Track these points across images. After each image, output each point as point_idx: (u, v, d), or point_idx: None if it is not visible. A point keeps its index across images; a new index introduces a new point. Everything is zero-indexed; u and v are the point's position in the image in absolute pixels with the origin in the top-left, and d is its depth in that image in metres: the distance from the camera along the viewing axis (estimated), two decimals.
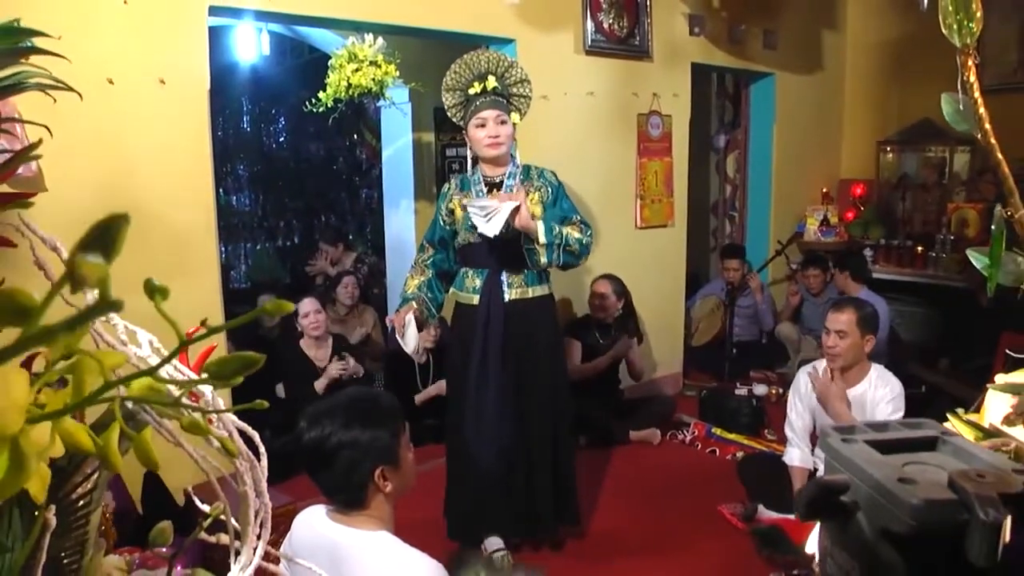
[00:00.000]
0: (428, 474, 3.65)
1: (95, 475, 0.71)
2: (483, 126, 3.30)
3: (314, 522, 1.94)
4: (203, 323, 0.39)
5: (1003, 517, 0.65)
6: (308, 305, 4.92)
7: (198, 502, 0.90)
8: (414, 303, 3.41)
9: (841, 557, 0.79)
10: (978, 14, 1.09)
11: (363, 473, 1.88)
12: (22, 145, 0.93)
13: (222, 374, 0.38)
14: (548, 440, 3.45)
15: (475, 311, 3.35)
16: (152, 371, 0.38)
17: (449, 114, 3.48)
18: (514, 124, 3.37)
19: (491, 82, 3.31)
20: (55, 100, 0.74)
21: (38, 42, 0.70)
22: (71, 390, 0.36)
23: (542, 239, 3.22)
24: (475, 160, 3.48)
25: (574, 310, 5.31)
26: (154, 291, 0.32)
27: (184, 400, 0.71)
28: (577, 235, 3.32)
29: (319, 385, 4.75)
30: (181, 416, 0.48)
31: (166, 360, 0.38)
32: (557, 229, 3.27)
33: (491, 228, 3.12)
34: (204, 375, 0.40)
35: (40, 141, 0.74)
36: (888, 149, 7.04)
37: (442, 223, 3.47)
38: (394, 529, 1.95)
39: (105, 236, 0.31)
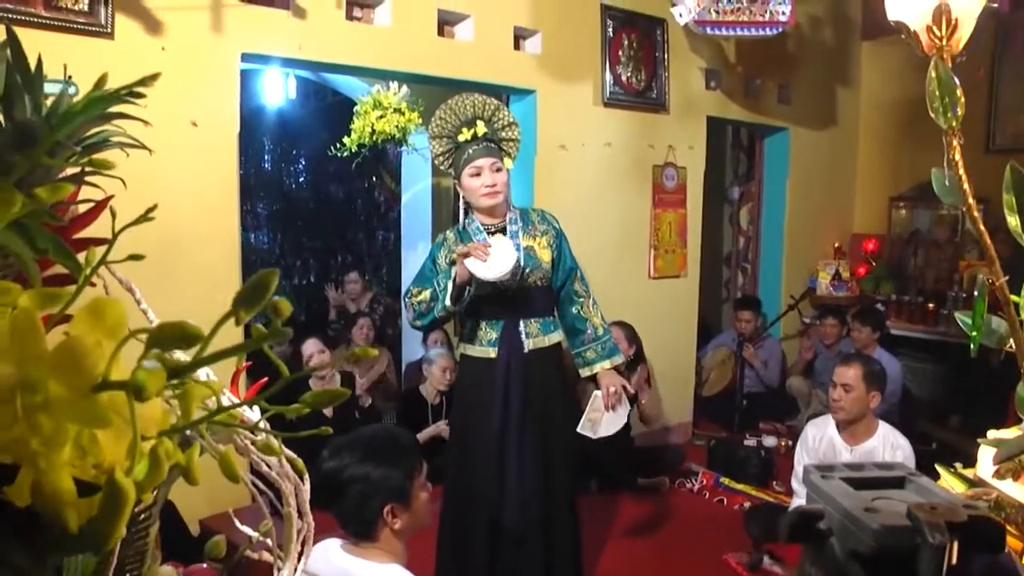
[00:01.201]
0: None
1: (155, 491, 0.78)
2: (478, 175, 3.12)
3: (329, 554, 2.00)
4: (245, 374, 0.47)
5: (948, 541, 0.74)
6: (311, 346, 4.97)
7: (238, 523, 0.97)
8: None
9: (818, 575, 0.88)
10: (961, 99, 1.17)
11: (373, 508, 1.94)
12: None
13: (318, 404, 0.46)
14: (569, 492, 3.38)
15: (492, 365, 3.18)
16: (255, 402, 0.47)
17: (436, 162, 3.30)
18: (508, 171, 3.24)
19: (480, 128, 3.14)
20: (128, 155, 0.83)
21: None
22: (180, 412, 0.44)
23: (622, 359, 3.44)
24: (466, 208, 3.34)
25: None
26: (277, 311, 0.40)
27: (238, 423, 0.78)
28: (601, 319, 3.36)
29: (328, 410, 4.79)
30: (256, 440, 0.56)
31: (267, 395, 0.46)
32: (604, 332, 3.36)
33: (619, 419, 3.32)
34: (297, 403, 0.48)
35: (112, 196, 0.83)
36: (901, 205, 7.11)
37: (439, 274, 3.24)
38: (406, 563, 2.01)
39: (260, 284, 0.39)
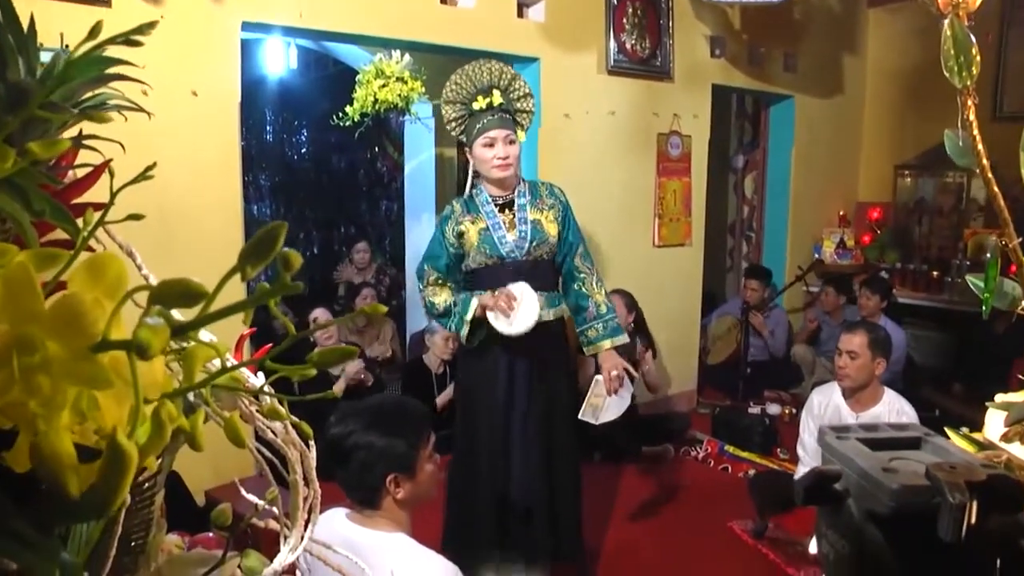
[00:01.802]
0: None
1: (159, 460, 0.78)
2: (491, 145, 3.07)
3: (333, 523, 2.00)
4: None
5: (968, 501, 0.73)
6: (319, 315, 4.99)
7: (243, 491, 0.97)
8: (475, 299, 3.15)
9: (833, 538, 0.87)
10: (977, 58, 1.15)
11: (375, 477, 1.93)
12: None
13: (325, 363, 0.45)
14: (573, 464, 3.38)
15: (497, 338, 3.13)
16: (260, 362, 0.45)
17: (448, 128, 3.23)
18: (520, 143, 3.18)
19: (496, 97, 3.08)
20: (126, 119, 0.81)
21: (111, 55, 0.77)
22: (183, 374, 0.43)
23: (626, 338, 3.33)
24: (475, 176, 3.27)
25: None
26: (287, 263, 0.38)
27: (242, 387, 0.77)
28: (603, 296, 3.29)
29: (337, 388, 4.79)
30: (261, 405, 0.55)
31: (271, 355, 0.45)
32: (607, 309, 3.27)
33: (623, 403, 3.24)
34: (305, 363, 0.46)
35: (111, 159, 0.81)
36: (906, 173, 7.06)
37: (449, 247, 3.20)
38: (411, 532, 2.01)
39: (268, 238, 0.38)
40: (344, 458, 1.93)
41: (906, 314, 6.29)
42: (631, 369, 3.31)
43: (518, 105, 3.19)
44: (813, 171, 6.87)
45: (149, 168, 0.57)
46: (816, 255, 6.88)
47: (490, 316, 3.04)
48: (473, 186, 3.27)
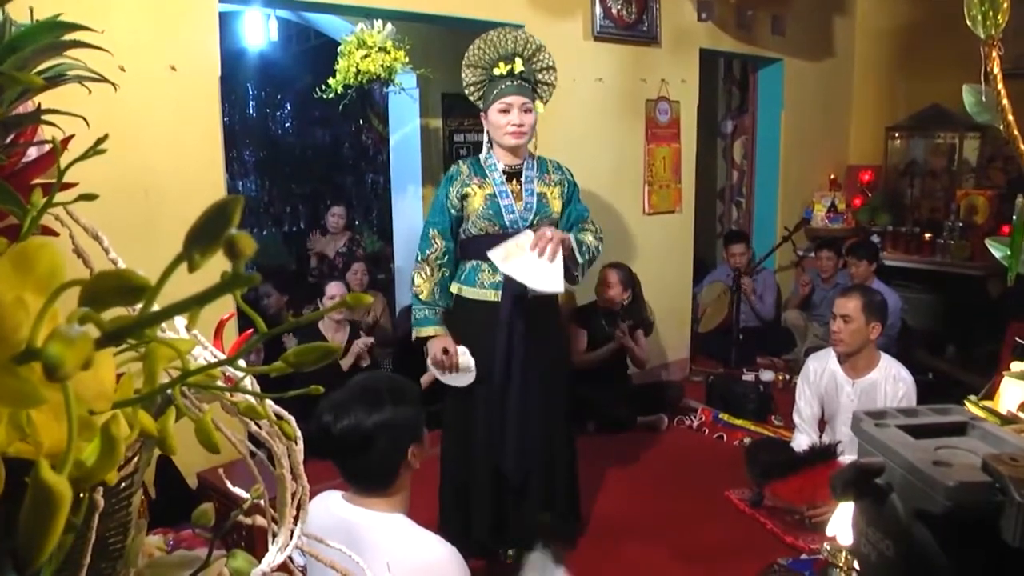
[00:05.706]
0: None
1: (135, 458, 0.72)
2: (507, 111, 3.06)
3: (330, 506, 1.96)
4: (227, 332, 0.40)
5: None
6: (334, 288, 4.98)
7: (230, 485, 0.91)
8: (442, 329, 3.16)
9: (875, 536, 0.82)
10: (1004, 5, 1.10)
11: (401, 451, 1.91)
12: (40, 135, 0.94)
13: (302, 363, 0.39)
14: (567, 432, 3.39)
15: (494, 308, 3.13)
16: (230, 362, 0.40)
17: (466, 92, 3.21)
18: (537, 114, 3.16)
19: (518, 65, 3.08)
20: (90, 91, 0.75)
21: (74, 33, 0.71)
22: (144, 377, 0.38)
23: (580, 259, 3.17)
24: (489, 142, 3.23)
25: (576, 299, 5.29)
26: (234, 249, 0.32)
27: (217, 384, 0.72)
28: (596, 243, 3.25)
29: (345, 363, 4.75)
30: (237, 401, 0.50)
31: (245, 351, 0.39)
32: (585, 244, 3.19)
33: (554, 284, 3.00)
34: (280, 363, 0.41)
35: (73, 135, 0.75)
36: (897, 135, 7.00)
37: (451, 209, 3.17)
38: (408, 512, 1.97)
39: (222, 215, 0.32)
40: (366, 445, 1.87)
41: (898, 277, 6.26)
42: (568, 239, 3.12)
43: (539, 76, 3.22)
44: (803, 135, 6.82)
45: (100, 141, 0.51)
46: (806, 217, 6.84)
47: (432, 368, 3.17)
48: (489, 148, 3.24)
